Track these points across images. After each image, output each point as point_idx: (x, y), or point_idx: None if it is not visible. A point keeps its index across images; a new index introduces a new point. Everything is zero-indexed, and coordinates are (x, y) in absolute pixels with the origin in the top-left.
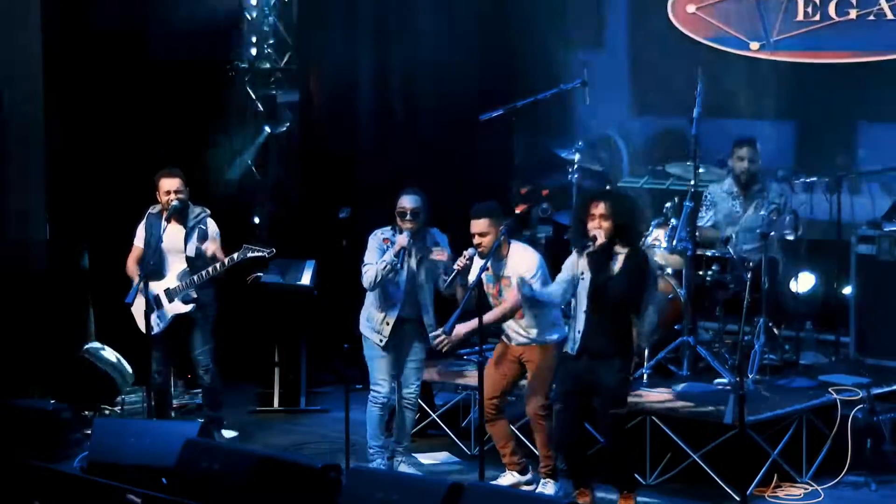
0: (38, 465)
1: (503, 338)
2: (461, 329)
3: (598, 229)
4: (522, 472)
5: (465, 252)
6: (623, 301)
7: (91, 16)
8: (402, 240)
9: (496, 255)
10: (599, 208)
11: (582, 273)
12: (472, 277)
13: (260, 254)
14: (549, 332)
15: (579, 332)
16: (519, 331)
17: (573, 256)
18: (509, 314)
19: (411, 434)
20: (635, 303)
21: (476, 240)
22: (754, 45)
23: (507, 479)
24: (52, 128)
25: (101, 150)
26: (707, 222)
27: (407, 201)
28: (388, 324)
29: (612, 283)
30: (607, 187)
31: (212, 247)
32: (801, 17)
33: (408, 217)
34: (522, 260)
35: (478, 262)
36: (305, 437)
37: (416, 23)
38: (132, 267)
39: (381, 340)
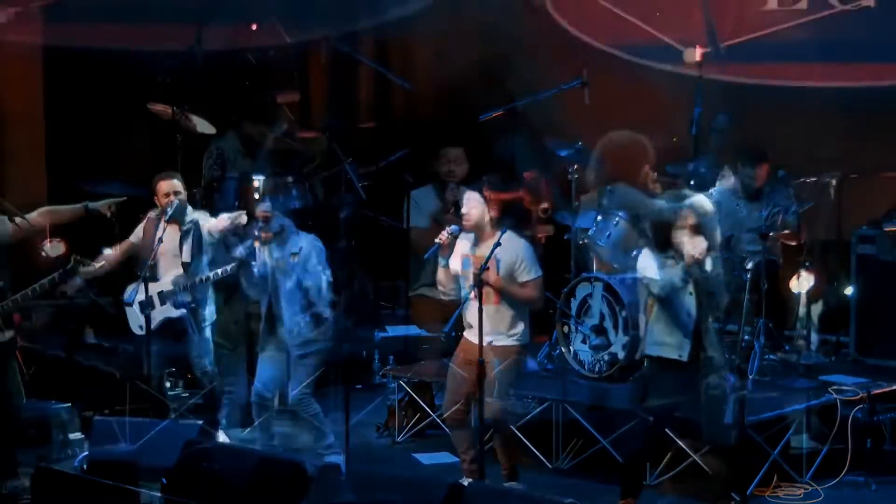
0: (38, 465)
1: (465, 332)
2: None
3: (693, 245)
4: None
5: (447, 228)
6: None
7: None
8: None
9: (479, 235)
10: (691, 219)
11: (683, 278)
12: (453, 258)
13: None
14: (513, 334)
15: (686, 338)
16: (484, 324)
17: (651, 257)
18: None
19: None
20: None
21: (464, 209)
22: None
23: None
24: (52, 128)
25: (101, 149)
26: None
27: (259, 209)
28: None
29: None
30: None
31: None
32: None
33: (261, 224)
34: (509, 242)
35: (460, 247)
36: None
37: (416, 22)
38: (114, 254)
39: None
